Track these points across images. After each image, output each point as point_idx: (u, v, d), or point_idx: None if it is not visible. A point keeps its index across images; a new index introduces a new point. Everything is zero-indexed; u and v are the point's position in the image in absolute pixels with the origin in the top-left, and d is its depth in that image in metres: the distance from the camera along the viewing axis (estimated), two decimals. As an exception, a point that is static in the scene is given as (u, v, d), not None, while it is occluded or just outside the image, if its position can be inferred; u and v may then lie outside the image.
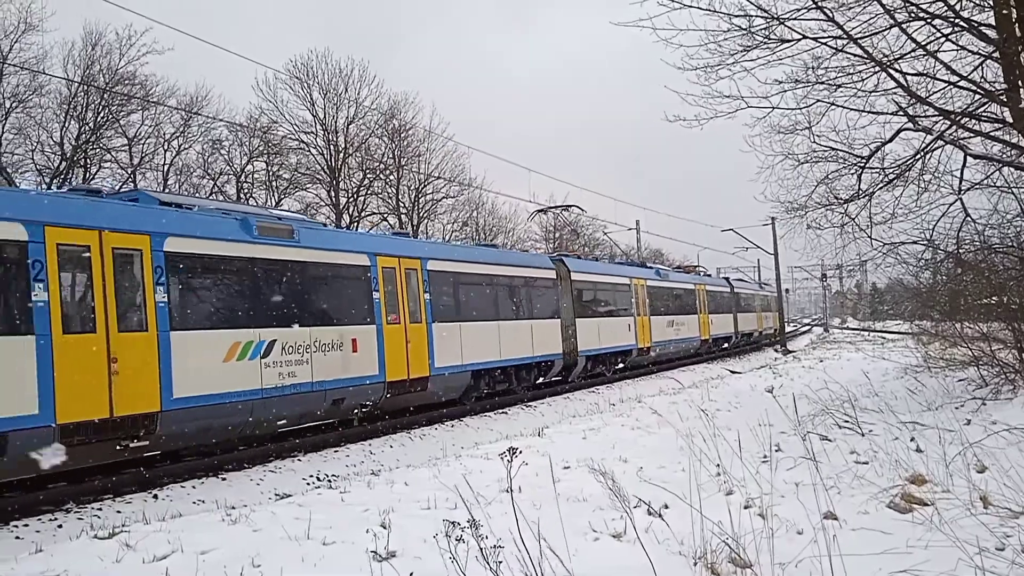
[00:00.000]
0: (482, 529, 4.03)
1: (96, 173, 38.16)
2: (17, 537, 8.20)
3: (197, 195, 41.07)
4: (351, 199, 47.67)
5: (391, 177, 48.33)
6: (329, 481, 10.80)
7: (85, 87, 35.23)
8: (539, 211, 35.47)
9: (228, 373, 11.62)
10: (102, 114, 36.44)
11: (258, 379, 12.05)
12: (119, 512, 9.09)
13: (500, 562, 3.90)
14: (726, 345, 38.87)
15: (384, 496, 7.66)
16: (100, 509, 9.32)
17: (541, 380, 21.19)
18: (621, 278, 26.96)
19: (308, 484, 10.87)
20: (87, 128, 35.91)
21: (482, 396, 18.37)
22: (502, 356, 18.69)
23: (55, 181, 35.64)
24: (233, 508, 8.02)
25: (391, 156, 47.95)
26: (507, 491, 7.16)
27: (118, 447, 10.31)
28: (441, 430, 15.26)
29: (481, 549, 3.92)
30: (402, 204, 49.09)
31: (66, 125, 35.70)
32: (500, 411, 17.72)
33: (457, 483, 7.47)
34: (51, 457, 9.30)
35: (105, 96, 35.90)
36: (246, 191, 45.34)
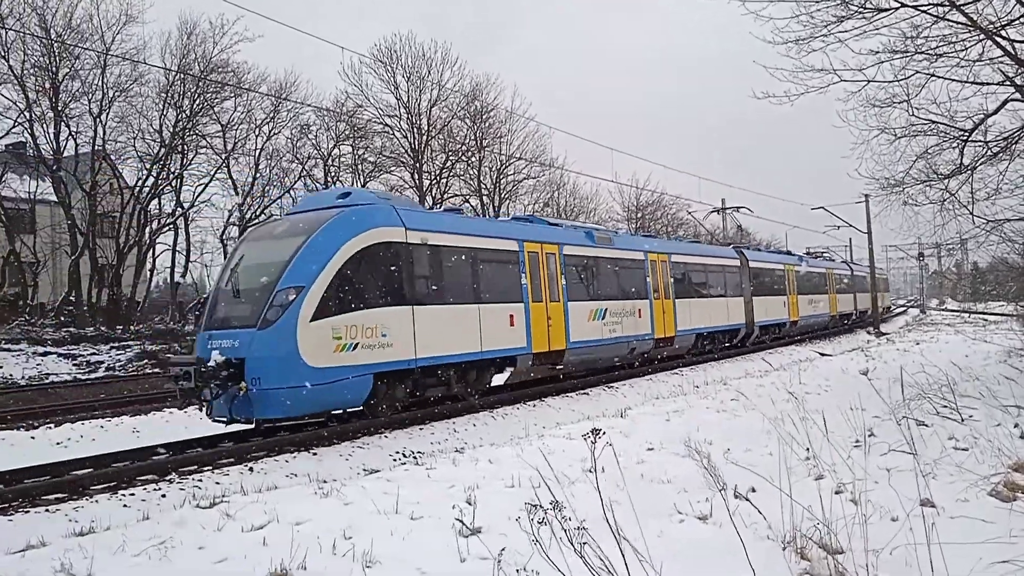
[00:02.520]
0: (566, 511, 4.05)
1: (192, 159, 39.61)
2: (125, 505, 8.66)
3: (288, 177, 42.21)
4: (434, 181, 48.21)
5: (473, 159, 48.61)
6: (415, 458, 11.03)
7: (181, 76, 36.55)
8: (714, 211, 43.12)
9: (590, 328, 18.43)
10: (197, 101, 37.75)
11: (600, 333, 18.86)
12: (218, 483, 9.49)
13: (584, 543, 3.91)
14: (846, 322, 43.79)
15: (469, 473, 7.78)
16: (201, 480, 9.76)
17: (728, 344, 27.51)
18: (779, 265, 33.26)
19: (395, 460, 11.13)
20: (184, 115, 37.27)
21: (699, 352, 24.86)
22: (711, 324, 25.45)
23: (155, 167, 37.21)
24: (324, 482, 8.30)
25: (473, 138, 48.19)
26: (591, 471, 7.19)
27: (549, 367, 17.34)
28: (523, 410, 15.36)
29: (565, 531, 3.94)
30: (483, 185, 49.36)
31: (164, 113, 37.16)
32: (581, 392, 17.74)
33: (540, 462, 7.52)
34: (530, 371, 16.70)
35: (200, 84, 37.18)
36: (333, 175, 46.38)
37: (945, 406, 9.07)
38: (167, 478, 10.01)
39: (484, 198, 49.24)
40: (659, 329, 21.73)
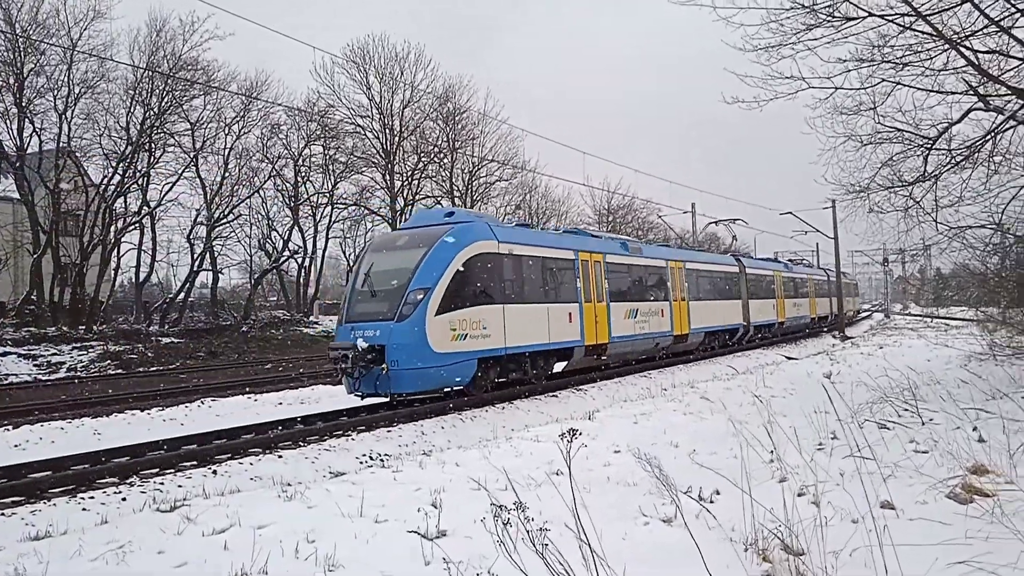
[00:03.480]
0: (529, 512, 4.03)
1: (160, 157, 39.04)
2: (84, 509, 8.48)
3: (258, 176, 41.84)
4: (406, 182, 47.98)
5: (445, 160, 48.47)
6: (382, 460, 10.96)
7: (150, 73, 36.03)
8: (712, 223, 45.28)
9: (626, 325, 21.30)
10: (166, 99, 37.25)
11: (634, 329, 21.77)
12: (180, 487, 9.35)
13: (546, 545, 3.90)
14: (824, 324, 46.23)
15: (435, 476, 7.74)
16: (163, 483, 9.61)
17: (729, 340, 30.77)
18: (769, 271, 36.42)
19: (361, 463, 11.04)
20: (152, 113, 36.74)
21: (706, 349, 28.07)
22: (715, 323, 28.46)
23: (121, 165, 36.62)
24: (289, 485, 8.21)
25: (445, 139, 48.06)
26: (557, 474, 7.19)
27: (594, 358, 20.11)
28: (492, 412, 15.32)
29: (528, 532, 3.93)
30: (456, 187, 49.23)
31: (132, 110, 36.60)
32: (551, 394, 17.74)
33: (507, 465, 7.52)
34: (582, 360, 19.51)
35: (169, 81, 36.67)
36: (303, 175, 45.99)
37: (907, 409, 9.19)
38: (128, 481, 9.85)
39: (456, 200, 49.11)
40: (677, 327, 24.74)
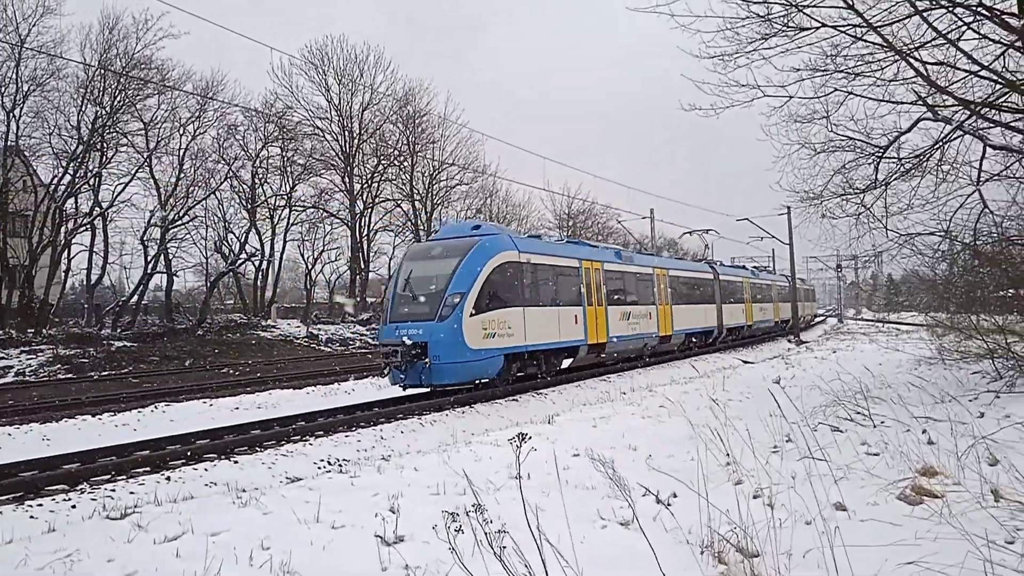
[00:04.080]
0: (487, 514, 4.03)
1: (112, 157, 38.23)
2: (32, 517, 8.25)
3: (214, 178, 41.17)
4: (365, 185, 47.67)
5: (405, 164, 48.28)
6: (340, 465, 10.84)
7: (102, 71, 35.31)
8: (687, 233, 46.52)
9: (621, 326, 23.39)
10: (119, 98, 36.52)
11: (627, 330, 23.93)
12: (132, 493, 9.15)
13: (504, 547, 3.89)
14: (786, 326, 48.09)
15: (394, 481, 7.68)
16: (114, 490, 9.39)
17: (704, 342, 32.92)
18: (739, 278, 38.95)
19: (319, 468, 10.91)
20: (104, 112, 35.98)
21: (686, 348, 30.67)
22: (695, 326, 30.89)
23: (72, 164, 35.80)
24: (243, 491, 8.07)
25: (405, 142, 47.87)
26: (516, 477, 7.18)
27: (594, 356, 22.17)
28: (452, 416, 15.28)
29: (486, 535, 3.92)
30: (416, 191, 49.05)
31: (83, 109, 35.82)
32: (511, 398, 17.76)
33: (466, 469, 7.49)
34: (585, 358, 21.57)
35: (122, 80, 35.98)
36: (261, 176, 45.39)
37: (859, 412, 9.37)
38: (78, 488, 9.62)
39: (416, 203, 48.95)
40: (662, 328, 27.03)
